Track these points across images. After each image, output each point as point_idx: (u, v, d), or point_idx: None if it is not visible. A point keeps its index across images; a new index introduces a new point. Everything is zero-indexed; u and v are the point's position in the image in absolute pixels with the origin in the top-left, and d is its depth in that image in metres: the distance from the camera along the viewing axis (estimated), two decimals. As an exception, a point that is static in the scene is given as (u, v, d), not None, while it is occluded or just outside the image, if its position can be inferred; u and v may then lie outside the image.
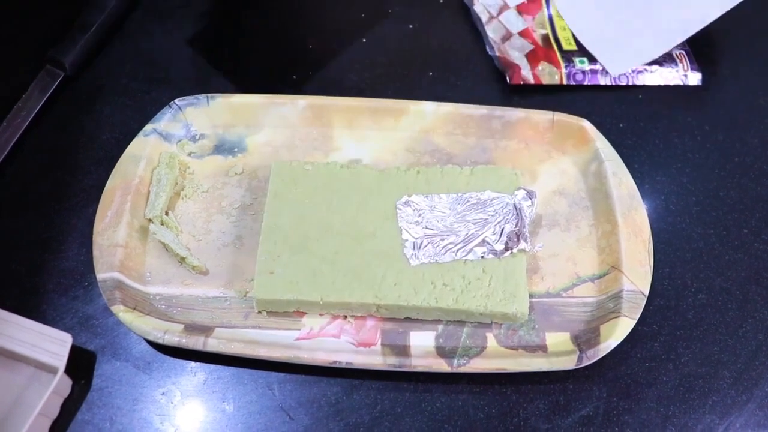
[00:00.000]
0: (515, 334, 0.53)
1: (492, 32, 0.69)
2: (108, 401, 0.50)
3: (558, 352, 0.51)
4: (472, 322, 0.53)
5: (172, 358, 0.52)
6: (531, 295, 0.54)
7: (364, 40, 0.70)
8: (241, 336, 0.52)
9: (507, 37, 0.69)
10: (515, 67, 0.66)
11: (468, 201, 0.56)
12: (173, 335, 0.50)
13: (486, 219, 0.55)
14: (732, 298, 0.57)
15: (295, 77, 0.67)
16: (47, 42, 0.65)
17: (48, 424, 0.49)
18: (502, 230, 0.54)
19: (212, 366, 0.52)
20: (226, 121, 0.62)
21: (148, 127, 0.59)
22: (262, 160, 0.60)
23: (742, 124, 0.66)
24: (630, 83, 0.68)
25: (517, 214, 0.55)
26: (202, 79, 0.66)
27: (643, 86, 0.68)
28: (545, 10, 0.71)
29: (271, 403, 0.51)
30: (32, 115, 0.62)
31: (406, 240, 0.54)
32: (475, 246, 0.53)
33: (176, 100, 0.60)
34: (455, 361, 0.50)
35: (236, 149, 0.61)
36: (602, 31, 0.69)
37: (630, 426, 0.51)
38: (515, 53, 0.67)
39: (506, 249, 0.53)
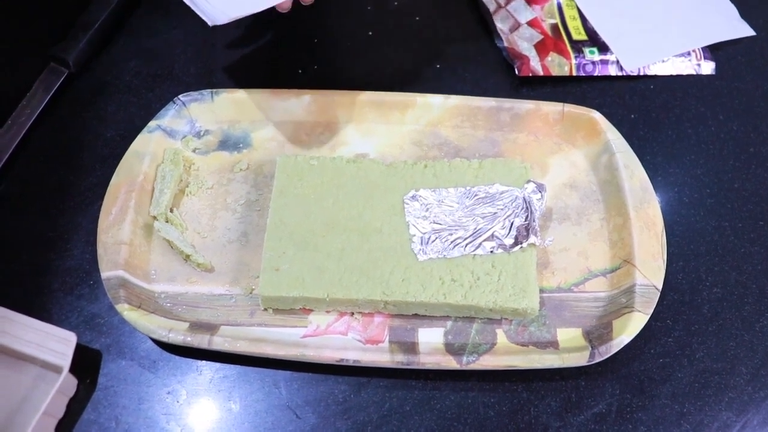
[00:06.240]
0: (526, 330, 0.52)
1: (500, 22, 0.68)
2: (113, 400, 0.50)
3: (569, 348, 0.50)
4: (481, 318, 0.52)
5: (177, 357, 0.52)
6: (541, 290, 0.53)
7: (370, 33, 0.69)
8: (246, 334, 0.51)
9: (515, 27, 0.68)
10: (524, 59, 0.65)
11: (476, 195, 0.55)
12: (178, 333, 0.49)
13: (495, 213, 0.54)
14: (748, 291, 0.55)
15: (300, 71, 0.66)
16: (51, 40, 0.65)
17: (53, 423, 0.48)
18: (512, 224, 0.53)
19: (218, 364, 0.51)
20: (230, 116, 0.61)
21: (152, 124, 0.59)
22: (268, 156, 0.59)
23: (757, 113, 0.65)
24: (641, 73, 0.66)
25: (527, 207, 0.54)
26: (206, 74, 0.65)
27: (655, 76, 0.67)
28: (554, -1, 0.70)
29: (278, 401, 0.50)
30: (36, 114, 0.61)
31: (414, 235, 0.53)
32: (484, 240, 0.53)
33: (180, 96, 0.60)
34: (464, 359, 0.49)
35: (241, 145, 0.60)
36: (620, 24, 0.68)
37: (644, 423, 0.50)
38: (524, 44, 0.66)
39: (516, 243, 0.52)
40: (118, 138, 0.61)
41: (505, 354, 0.50)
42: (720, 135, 0.63)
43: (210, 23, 0.52)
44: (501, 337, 0.52)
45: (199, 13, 0.52)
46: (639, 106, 0.65)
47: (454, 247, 0.52)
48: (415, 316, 0.52)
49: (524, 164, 0.56)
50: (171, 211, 0.56)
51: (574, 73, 0.66)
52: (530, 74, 0.65)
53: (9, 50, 0.67)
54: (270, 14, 0.54)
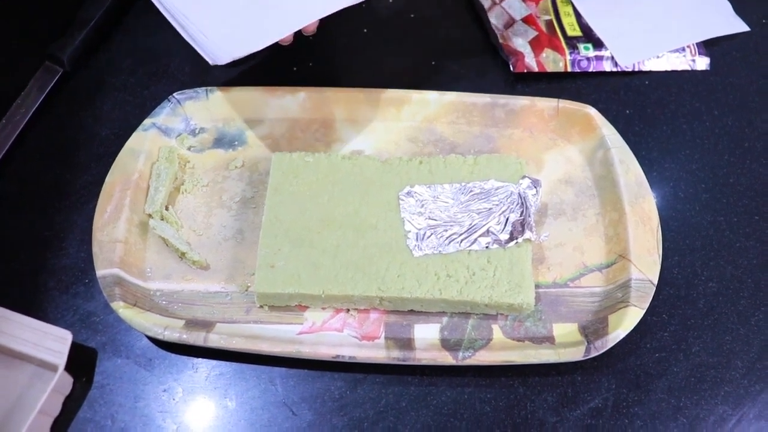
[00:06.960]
0: (521, 325, 0.52)
1: (495, 19, 0.68)
2: (109, 398, 0.50)
3: (565, 343, 0.50)
4: (477, 314, 0.52)
5: (173, 355, 0.51)
6: (537, 286, 0.53)
7: (365, 30, 0.69)
8: (242, 331, 0.51)
9: (510, 23, 0.68)
10: (519, 55, 0.65)
11: (472, 191, 0.55)
12: (174, 331, 0.49)
13: (490, 209, 0.54)
14: (743, 286, 0.55)
15: (295, 69, 0.66)
16: (46, 38, 0.65)
17: (49, 422, 0.48)
18: (507, 220, 0.53)
19: (214, 362, 0.51)
20: (225, 114, 0.61)
21: (147, 122, 0.58)
22: (263, 153, 0.59)
23: (751, 108, 0.65)
24: (636, 69, 0.66)
25: (522, 203, 0.54)
26: (201, 72, 0.65)
27: (650, 72, 0.67)
28: (549, -5, 0.70)
29: (274, 398, 0.50)
30: (31, 112, 0.61)
31: (409, 231, 0.53)
32: (480, 236, 0.53)
33: (175, 94, 0.60)
34: (460, 354, 0.49)
35: (236, 142, 0.60)
36: (615, 20, 0.68)
37: (640, 418, 0.50)
38: (519, 40, 0.66)
39: (511, 239, 0.52)
40: (113, 136, 0.61)
41: (501, 349, 0.50)
42: (715, 130, 0.64)
43: (211, 62, 0.52)
44: (497, 332, 0.52)
45: (199, 51, 0.52)
46: (634, 102, 0.65)
47: (450, 242, 0.52)
48: (411, 312, 0.52)
49: (519, 160, 0.56)
50: (166, 208, 0.56)
51: (569, 69, 0.66)
52: (525, 70, 0.65)
53: (4, 49, 0.66)
54: (272, 47, 0.54)
